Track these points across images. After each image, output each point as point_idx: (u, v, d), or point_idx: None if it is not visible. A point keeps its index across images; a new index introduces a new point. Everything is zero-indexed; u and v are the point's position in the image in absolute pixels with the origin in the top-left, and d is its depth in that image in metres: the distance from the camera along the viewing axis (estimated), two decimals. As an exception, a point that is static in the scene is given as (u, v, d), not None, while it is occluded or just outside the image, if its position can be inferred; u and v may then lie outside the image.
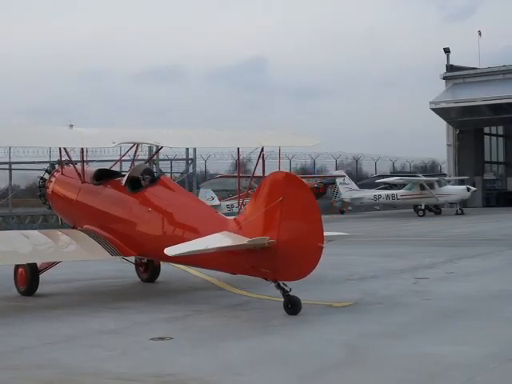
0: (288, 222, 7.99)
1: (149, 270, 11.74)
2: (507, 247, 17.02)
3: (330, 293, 10.21)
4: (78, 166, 11.73)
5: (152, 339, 7.23)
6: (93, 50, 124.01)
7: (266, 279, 8.58)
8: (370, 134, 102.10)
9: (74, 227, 11.57)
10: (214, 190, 34.94)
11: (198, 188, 37.63)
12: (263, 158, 10.83)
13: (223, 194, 41.24)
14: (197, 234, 9.08)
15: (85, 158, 11.72)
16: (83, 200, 11.23)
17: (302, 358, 6.34)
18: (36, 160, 29.19)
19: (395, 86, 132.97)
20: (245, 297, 9.95)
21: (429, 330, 7.43)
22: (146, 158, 38.94)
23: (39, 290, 10.82)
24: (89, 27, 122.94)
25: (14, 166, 32.01)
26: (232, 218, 9.29)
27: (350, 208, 44.09)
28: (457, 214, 37.28)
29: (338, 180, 40.71)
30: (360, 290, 10.36)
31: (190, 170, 39.67)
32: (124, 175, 10.97)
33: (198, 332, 7.60)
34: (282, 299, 8.43)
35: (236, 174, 42.06)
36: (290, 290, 8.40)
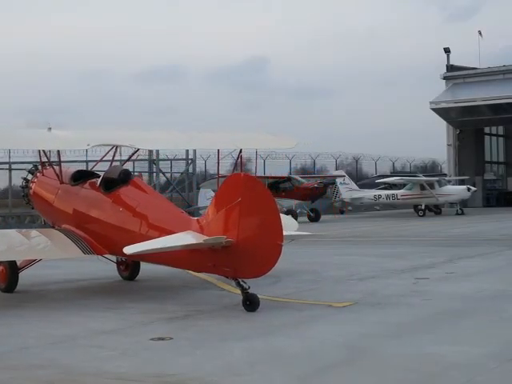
0: (247, 222, 8.34)
1: (129, 269, 12.08)
2: (507, 247, 17.01)
3: (330, 293, 10.20)
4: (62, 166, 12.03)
5: (152, 339, 7.23)
6: (93, 50, 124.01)
7: (227, 277, 8.97)
8: (369, 134, 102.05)
9: (53, 226, 11.89)
10: (213, 190, 34.89)
11: (198, 188, 37.63)
12: (241, 159, 11.25)
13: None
14: (163, 233, 9.41)
15: (67, 159, 12.04)
16: (61, 200, 11.59)
17: (301, 358, 6.34)
18: (36, 160, 29.19)
19: (395, 85, 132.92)
20: (245, 297, 9.93)
21: (429, 330, 7.42)
22: (146, 158, 38.84)
23: (39, 290, 10.82)
24: (89, 27, 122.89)
25: (14, 166, 32.04)
26: (195, 218, 9.69)
27: (350, 208, 44.10)
28: (457, 214, 37.27)
29: (338, 180, 40.73)
30: (360, 290, 10.36)
31: (190, 170, 39.72)
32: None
33: (197, 332, 7.60)
34: (241, 296, 8.72)
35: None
36: (249, 287, 8.72)
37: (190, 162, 39.32)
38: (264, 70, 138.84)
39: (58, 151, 11.70)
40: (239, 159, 11.30)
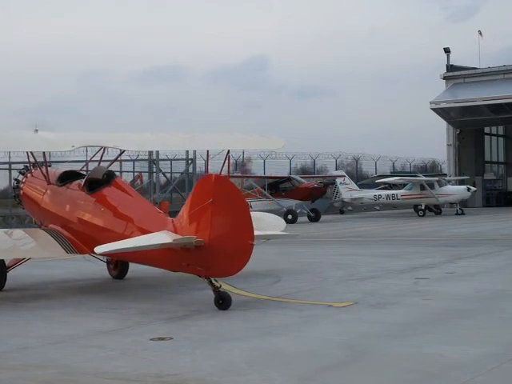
0: (218, 222, 8.55)
1: (118, 268, 12.34)
2: (507, 247, 17.02)
3: (330, 293, 10.20)
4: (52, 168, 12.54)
5: (152, 339, 7.23)
6: (93, 50, 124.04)
7: (200, 276, 9.14)
8: (370, 134, 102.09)
9: (40, 226, 12.07)
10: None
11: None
12: (229, 159, 11.46)
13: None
14: (140, 232, 9.67)
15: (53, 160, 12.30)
16: (48, 201, 11.83)
17: (301, 358, 6.33)
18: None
19: (395, 85, 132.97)
20: (245, 297, 9.95)
21: (429, 330, 7.42)
22: (147, 158, 38.81)
23: (39, 290, 10.81)
24: (89, 27, 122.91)
25: (14, 166, 32.02)
26: (171, 218, 9.85)
27: (350, 208, 44.10)
28: (457, 214, 37.27)
29: (338, 180, 40.73)
30: (360, 290, 10.35)
31: (190, 170, 39.70)
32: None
33: (197, 332, 7.60)
34: (213, 295, 8.92)
35: (236, 174, 42.01)
36: (220, 286, 8.99)
37: (190, 161, 39.31)
38: (264, 70, 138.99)
39: (44, 152, 11.98)
40: (226, 160, 11.52)
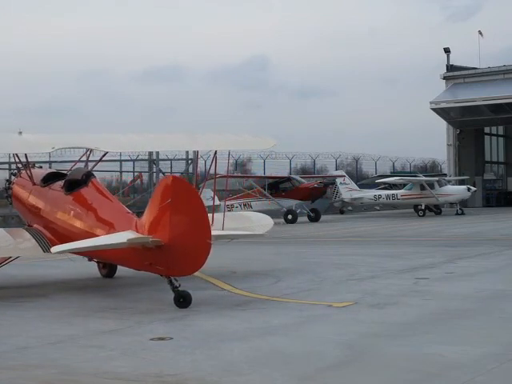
0: (177, 222, 8.74)
1: (107, 267, 12.60)
2: (507, 247, 17.01)
3: (330, 293, 10.20)
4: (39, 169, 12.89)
5: (152, 339, 7.22)
6: (93, 50, 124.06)
7: (161, 275, 9.32)
8: (370, 134, 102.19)
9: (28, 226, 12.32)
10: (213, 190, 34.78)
11: (198, 188, 37.59)
12: (216, 160, 11.60)
13: (223, 194, 41.22)
14: (106, 232, 9.94)
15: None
16: (32, 201, 12.11)
17: (301, 358, 6.33)
18: (36, 160, 29.16)
19: (395, 85, 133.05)
20: (245, 297, 9.94)
21: (429, 330, 7.42)
22: (147, 158, 38.73)
23: (39, 290, 10.81)
24: (89, 27, 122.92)
25: (13, 166, 31.99)
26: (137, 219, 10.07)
27: (350, 208, 44.10)
28: (457, 214, 37.28)
29: (338, 180, 40.72)
30: (360, 289, 10.35)
31: (190, 170, 39.69)
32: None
33: (197, 332, 7.60)
34: (173, 295, 9.09)
35: (236, 174, 41.98)
36: (180, 285, 9.14)
37: (190, 161, 39.32)
38: (264, 70, 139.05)
39: (26, 154, 12.21)
40: (214, 161, 11.66)
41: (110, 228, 9.98)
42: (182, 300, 9.03)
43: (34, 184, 12.08)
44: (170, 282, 9.15)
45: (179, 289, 9.11)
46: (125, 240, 9.00)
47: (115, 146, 12.08)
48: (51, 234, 11.11)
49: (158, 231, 8.86)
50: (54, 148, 10.88)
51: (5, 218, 31.60)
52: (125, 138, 12.17)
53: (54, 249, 9.74)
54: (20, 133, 11.34)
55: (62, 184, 11.39)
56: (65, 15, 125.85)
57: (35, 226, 11.64)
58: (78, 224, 10.62)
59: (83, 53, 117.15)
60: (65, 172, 12.45)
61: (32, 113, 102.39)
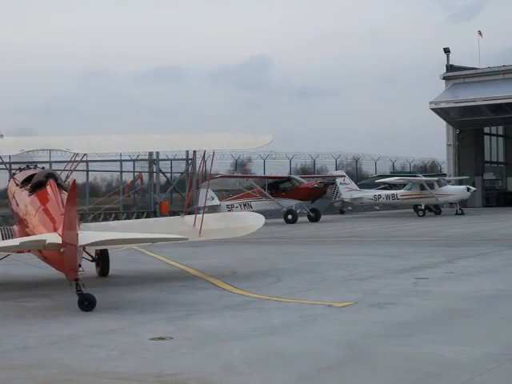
0: (67, 225, 8.80)
1: (100, 265, 12.92)
2: (507, 247, 17.02)
3: (330, 293, 10.20)
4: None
5: (152, 339, 7.22)
6: (93, 50, 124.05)
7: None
8: (370, 134, 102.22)
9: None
10: (213, 190, 34.90)
11: (198, 188, 37.60)
12: (203, 159, 11.81)
13: (223, 194, 41.23)
14: (40, 232, 10.03)
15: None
16: (13, 202, 12.50)
17: (302, 358, 6.33)
18: (36, 161, 29.15)
19: (395, 85, 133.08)
20: (245, 297, 9.94)
21: (429, 330, 7.42)
22: (147, 158, 38.64)
23: (39, 289, 10.80)
24: (89, 27, 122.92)
25: (14, 167, 31.97)
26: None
27: (350, 208, 44.12)
28: (457, 214, 37.30)
29: (338, 180, 40.74)
30: (360, 289, 10.35)
31: (190, 170, 39.70)
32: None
33: (198, 332, 7.59)
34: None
35: (236, 174, 41.97)
36: (84, 287, 9.11)
37: (190, 161, 39.31)
38: (264, 70, 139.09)
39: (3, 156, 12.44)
40: (203, 160, 12.07)
41: (49, 230, 9.99)
42: (87, 303, 9.03)
43: (17, 185, 12.37)
44: (76, 285, 9.13)
45: (83, 292, 9.10)
46: (17, 243, 9.18)
47: (84, 148, 12.08)
48: (21, 235, 11.23)
49: (62, 234, 8.98)
50: (22, 150, 11.15)
51: (5, 218, 31.57)
52: (102, 139, 12.37)
53: None
54: (1, 136, 11.62)
55: (30, 185, 11.64)
56: (65, 15, 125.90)
57: (14, 226, 12.04)
58: (29, 224, 10.87)
59: (83, 53, 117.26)
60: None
61: (32, 113, 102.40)
